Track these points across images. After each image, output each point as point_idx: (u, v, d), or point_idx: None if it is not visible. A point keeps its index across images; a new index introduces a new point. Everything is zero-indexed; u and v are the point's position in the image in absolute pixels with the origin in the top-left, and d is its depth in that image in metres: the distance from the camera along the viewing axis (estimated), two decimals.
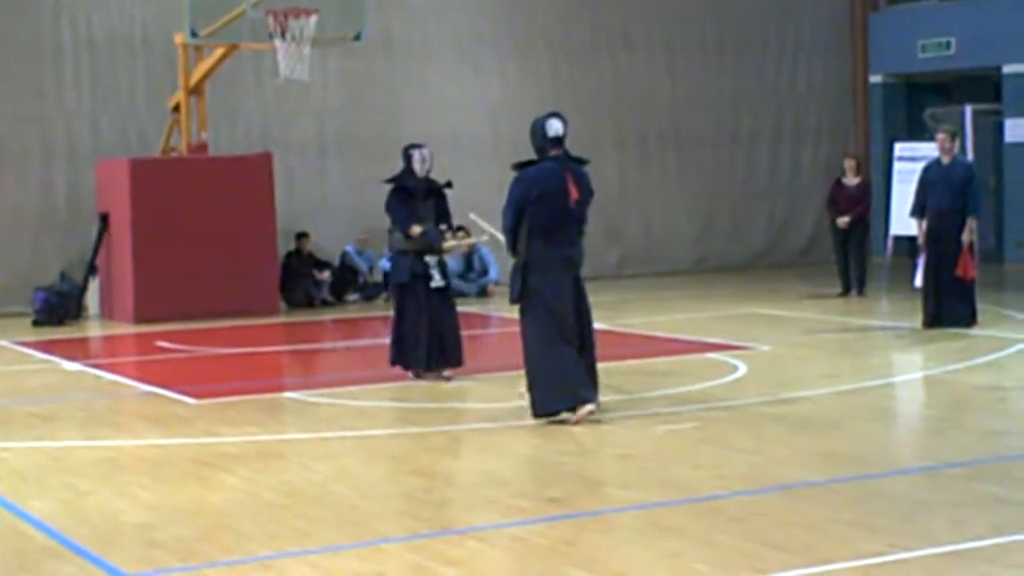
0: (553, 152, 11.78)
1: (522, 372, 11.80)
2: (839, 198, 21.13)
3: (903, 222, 21.92)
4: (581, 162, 11.98)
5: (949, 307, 16.80)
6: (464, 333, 14.36)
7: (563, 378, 11.54)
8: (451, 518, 8.72)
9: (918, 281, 17.17)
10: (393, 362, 14.10)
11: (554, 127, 11.79)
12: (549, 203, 11.62)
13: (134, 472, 10.35)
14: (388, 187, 14.41)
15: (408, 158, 14.33)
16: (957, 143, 17.42)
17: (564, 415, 11.48)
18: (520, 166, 11.86)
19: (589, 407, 11.48)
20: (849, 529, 8.06)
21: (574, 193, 11.74)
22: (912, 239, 21.54)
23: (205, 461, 10.55)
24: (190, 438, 11.54)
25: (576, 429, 11.34)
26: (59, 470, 10.48)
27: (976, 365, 14.26)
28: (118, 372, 15.62)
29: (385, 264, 22.62)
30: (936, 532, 8.02)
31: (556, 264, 11.67)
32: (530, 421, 11.61)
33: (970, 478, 9.33)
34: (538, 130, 11.84)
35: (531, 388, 11.66)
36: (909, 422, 12.36)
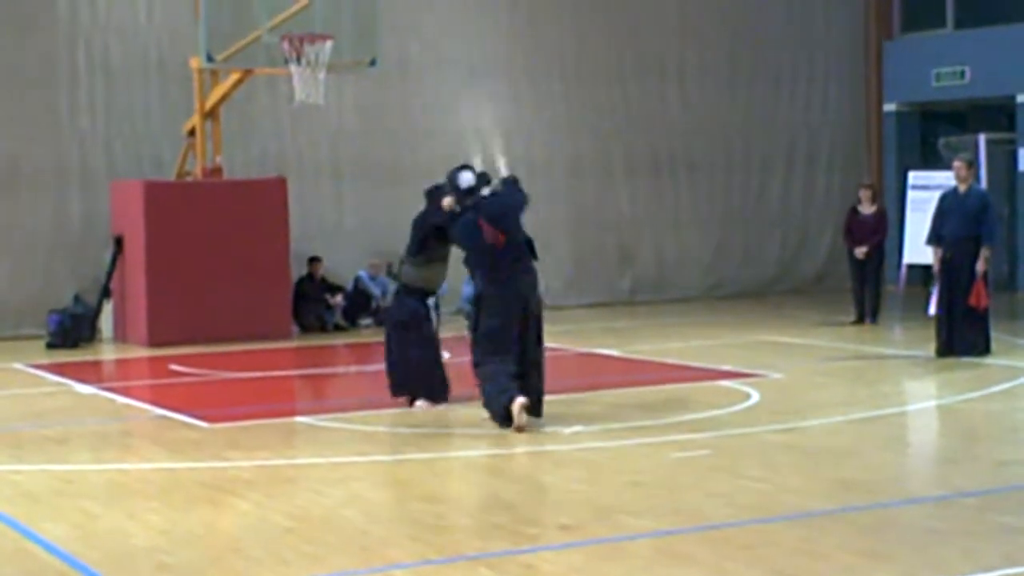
0: (468, 202, 12.92)
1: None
2: (855, 227, 21.12)
3: (916, 250, 21.91)
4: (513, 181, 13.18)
5: (962, 336, 16.77)
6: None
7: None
8: (461, 544, 8.70)
9: (932, 309, 17.14)
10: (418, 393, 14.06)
11: (465, 179, 12.61)
12: (470, 248, 12.91)
13: (145, 496, 10.35)
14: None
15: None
16: (973, 172, 17.42)
17: None
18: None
19: None
20: (861, 559, 8.04)
21: (486, 232, 12.69)
22: (925, 267, 21.54)
23: (216, 485, 10.55)
24: (201, 462, 11.54)
25: (586, 456, 11.33)
26: (71, 493, 10.49)
27: (990, 394, 14.22)
28: (131, 395, 15.63)
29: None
30: (949, 562, 7.99)
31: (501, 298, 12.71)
32: (537, 447, 11.60)
33: (983, 508, 9.30)
34: (452, 182, 13.03)
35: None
36: (922, 451, 12.33)
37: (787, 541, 8.50)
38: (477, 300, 12.75)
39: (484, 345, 12.65)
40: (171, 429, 13.22)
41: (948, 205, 17.08)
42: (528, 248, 12.84)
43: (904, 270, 23.19)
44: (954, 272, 16.85)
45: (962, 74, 26.38)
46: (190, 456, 11.81)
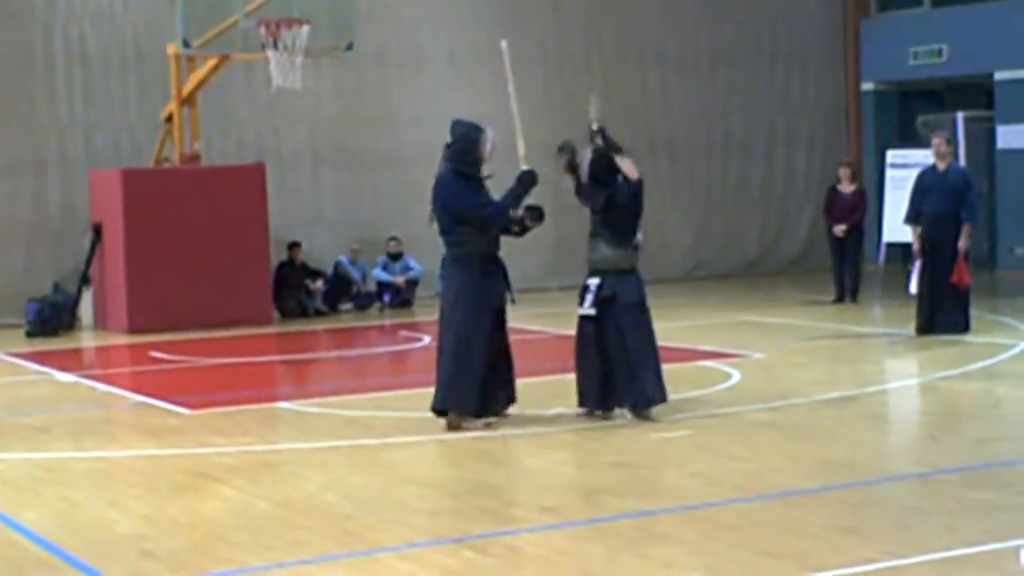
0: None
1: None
2: (835, 206, 21.16)
3: (896, 229, 21.95)
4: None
5: (943, 314, 16.80)
6: None
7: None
8: (445, 527, 8.70)
9: (913, 287, 17.12)
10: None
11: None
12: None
13: (127, 483, 10.34)
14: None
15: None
16: (952, 149, 17.43)
17: None
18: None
19: None
20: (843, 536, 8.06)
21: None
22: (904, 246, 21.57)
23: (199, 471, 10.54)
24: (183, 448, 11.53)
25: (570, 437, 11.35)
26: (52, 481, 10.47)
27: (970, 371, 14.26)
28: (112, 383, 15.61)
29: (379, 273, 22.65)
30: (930, 539, 8.02)
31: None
32: (521, 430, 11.61)
33: (964, 484, 9.33)
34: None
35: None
36: (903, 429, 12.37)
37: (770, 520, 8.52)
38: None
39: None
40: (152, 416, 13.21)
41: (927, 183, 17.05)
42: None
43: (883, 248, 23.25)
44: (935, 250, 16.84)
45: (939, 52, 26.41)
46: (172, 443, 11.79)
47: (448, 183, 11.98)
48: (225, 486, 10.00)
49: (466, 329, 11.67)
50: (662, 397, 11.82)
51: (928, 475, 9.77)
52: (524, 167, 12.15)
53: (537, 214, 12.05)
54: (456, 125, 12.14)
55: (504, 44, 12.42)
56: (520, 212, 12.03)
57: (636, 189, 11.91)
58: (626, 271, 11.94)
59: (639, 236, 12.01)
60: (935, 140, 17.26)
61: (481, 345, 11.71)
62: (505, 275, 12.04)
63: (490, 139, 12.02)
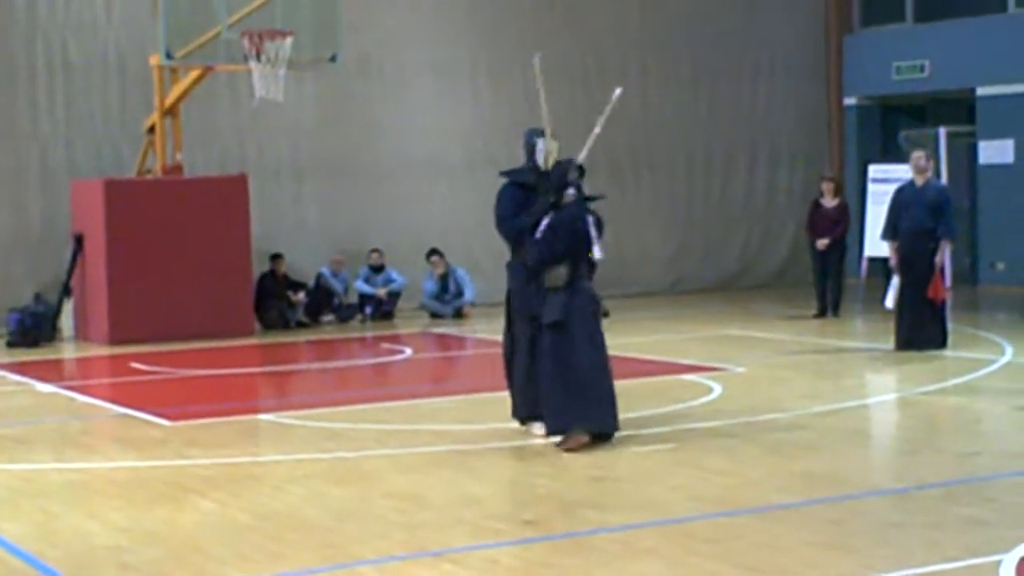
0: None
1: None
2: (817, 220, 21.20)
3: (877, 243, 21.96)
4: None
5: (921, 329, 16.77)
6: (441, 355, 14.34)
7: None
8: (425, 540, 8.68)
9: (889, 303, 17.11)
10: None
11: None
12: None
13: (106, 495, 10.30)
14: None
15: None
16: (932, 164, 17.46)
17: None
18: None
19: None
20: (824, 551, 8.06)
21: None
22: (886, 260, 21.60)
23: (178, 483, 10.50)
24: (163, 460, 11.50)
25: (551, 450, 11.34)
26: (31, 493, 10.43)
27: (951, 386, 14.29)
28: (92, 394, 15.56)
29: (361, 285, 22.64)
30: (911, 553, 8.02)
31: None
32: (502, 443, 11.61)
33: (944, 499, 9.34)
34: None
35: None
36: (884, 443, 12.38)
37: (750, 534, 8.52)
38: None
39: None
40: (132, 427, 13.17)
41: (905, 198, 17.04)
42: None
43: (865, 263, 23.28)
44: (912, 266, 16.83)
45: (922, 67, 26.49)
46: (152, 454, 11.76)
47: (501, 188, 12.10)
48: (205, 498, 9.97)
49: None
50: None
51: (909, 490, 9.78)
52: None
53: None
54: (579, 167, 11.92)
55: (536, 58, 12.37)
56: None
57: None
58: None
59: (598, 253, 11.75)
60: (915, 155, 17.29)
61: (521, 351, 11.77)
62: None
63: (541, 147, 12.12)
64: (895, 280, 17.03)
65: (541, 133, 12.18)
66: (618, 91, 12.30)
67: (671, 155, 26.44)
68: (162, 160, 20.70)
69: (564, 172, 11.74)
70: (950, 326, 17.16)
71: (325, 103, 23.55)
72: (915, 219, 16.82)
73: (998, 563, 7.62)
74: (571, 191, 11.65)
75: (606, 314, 11.84)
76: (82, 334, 20.84)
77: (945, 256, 16.93)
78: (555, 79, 25.81)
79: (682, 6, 26.57)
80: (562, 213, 11.56)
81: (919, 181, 17.04)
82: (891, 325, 17.23)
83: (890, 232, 17.10)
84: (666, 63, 26.42)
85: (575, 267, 11.52)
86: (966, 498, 9.37)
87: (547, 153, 12.01)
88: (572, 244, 11.50)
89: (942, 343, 16.81)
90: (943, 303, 16.88)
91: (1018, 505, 9.16)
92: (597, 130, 12.09)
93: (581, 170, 11.83)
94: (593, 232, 11.52)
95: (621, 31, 26.01)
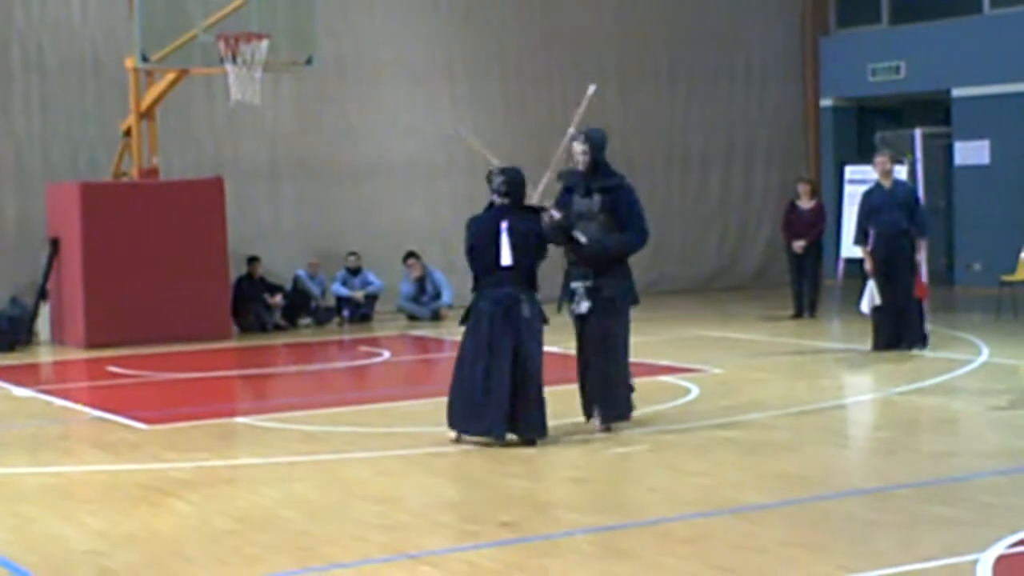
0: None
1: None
2: (793, 221, 21.25)
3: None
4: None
5: (901, 330, 16.80)
6: (419, 357, 14.32)
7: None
8: (403, 542, 8.68)
9: (864, 307, 17.10)
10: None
11: None
12: None
13: (83, 499, 10.27)
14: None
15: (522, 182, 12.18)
16: (895, 167, 17.47)
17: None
18: (620, 183, 12.26)
19: None
20: (799, 551, 8.07)
21: None
22: (863, 261, 21.65)
23: (155, 487, 10.48)
24: (140, 464, 11.47)
25: (528, 452, 11.35)
26: (7, 497, 10.39)
27: (926, 387, 14.33)
28: (68, 398, 15.51)
29: (338, 288, 22.63)
30: (887, 553, 8.04)
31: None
32: (479, 446, 11.61)
33: (920, 499, 9.36)
34: (606, 140, 12.44)
35: (617, 392, 11.92)
36: (860, 444, 12.40)
37: (727, 535, 8.53)
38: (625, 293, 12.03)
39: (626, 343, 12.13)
40: (109, 431, 13.13)
41: (876, 201, 17.00)
42: None
43: (842, 264, 23.31)
44: (890, 266, 16.84)
45: (898, 69, 26.56)
46: (128, 458, 11.73)
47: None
48: (182, 501, 9.95)
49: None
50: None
51: (884, 490, 9.80)
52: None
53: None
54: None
55: (592, 88, 12.64)
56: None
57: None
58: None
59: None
60: (879, 158, 17.24)
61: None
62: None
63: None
64: (870, 284, 17.03)
65: (575, 137, 12.41)
66: (592, 88, 12.37)
67: (648, 156, 26.44)
68: (138, 163, 20.66)
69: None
70: (928, 327, 17.20)
71: (302, 105, 23.54)
72: (891, 221, 16.83)
73: (974, 563, 7.64)
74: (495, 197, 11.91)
75: (545, 321, 11.96)
76: (58, 338, 20.79)
77: (923, 252, 16.92)
78: (532, 79, 26.01)
79: (660, 6, 26.62)
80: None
81: (886, 183, 17.04)
82: (868, 326, 17.24)
83: (862, 237, 17.11)
84: (643, 63, 26.46)
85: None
86: (942, 498, 9.39)
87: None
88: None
89: (924, 343, 16.82)
90: (923, 303, 16.91)
91: (993, 505, 9.19)
92: (572, 130, 12.10)
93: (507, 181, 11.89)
94: (504, 239, 11.70)
95: (599, 32, 26.05)
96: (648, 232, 12.23)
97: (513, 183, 11.91)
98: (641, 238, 12.18)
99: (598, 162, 12.13)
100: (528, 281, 11.87)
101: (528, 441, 11.53)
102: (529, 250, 11.80)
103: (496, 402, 11.46)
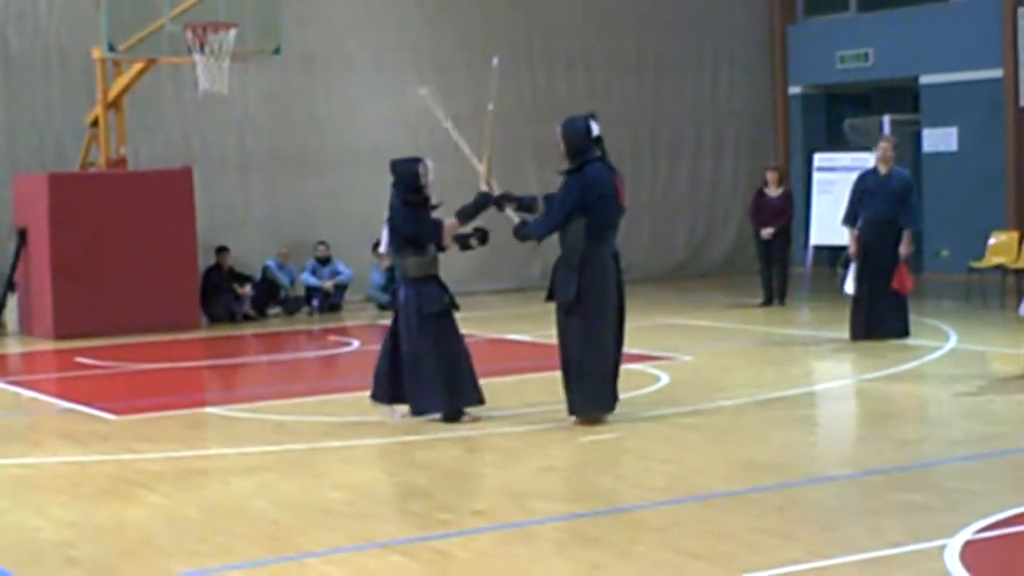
0: (596, 152, 12.07)
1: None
2: (761, 209, 21.29)
3: (823, 232, 22.16)
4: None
5: (884, 320, 16.69)
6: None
7: (604, 381, 11.83)
8: (373, 531, 8.68)
9: (848, 288, 17.01)
10: (464, 407, 12.25)
11: (595, 128, 12.03)
12: (606, 204, 11.93)
13: (52, 490, 10.25)
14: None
15: (415, 173, 12.50)
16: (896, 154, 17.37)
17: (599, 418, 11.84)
18: (571, 171, 11.93)
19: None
20: (769, 538, 8.10)
21: (623, 194, 12.20)
22: (831, 248, 21.72)
23: (125, 478, 10.46)
24: (109, 455, 11.44)
25: (498, 441, 11.37)
26: None
27: (895, 373, 14.38)
28: (37, 389, 15.47)
29: (308, 277, 22.61)
30: (855, 539, 8.08)
31: (609, 263, 11.97)
32: (450, 434, 11.62)
33: (889, 486, 9.40)
34: (580, 130, 12.06)
35: (572, 388, 11.82)
36: (828, 431, 12.44)
37: (696, 522, 8.56)
38: (580, 267, 11.74)
39: (594, 319, 11.81)
40: (78, 422, 13.10)
41: (869, 185, 16.89)
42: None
43: (811, 251, 23.41)
44: (873, 255, 16.74)
45: (866, 56, 26.64)
46: (98, 449, 11.70)
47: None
48: (152, 492, 9.93)
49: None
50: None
51: (853, 476, 9.84)
52: (483, 188, 12.40)
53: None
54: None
55: (495, 61, 12.59)
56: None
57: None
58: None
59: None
60: (882, 144, 17.06)
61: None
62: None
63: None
64: (853, 266, 16.99)
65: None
66: (495, 61, 12.50)
67: (617, 143, 26.17)
68: (106, 153, 20.60)
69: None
70: (911, 317, 17.15)
71: (270, 95, 23.50)
72: (878, 208, 16.75)
73: (942, 548, 7.68)
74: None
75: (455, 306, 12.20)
76: (26, 329, 20.73)
77: (909, 245, 16.82)
78: (501, 67, 25.89)
79: None
80: None
81: (883, 169, 16.94)
82: (837, 313, 17.33)
83: (851, 219, 17.03)
84: (612, 51, 26.50)
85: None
86: (910, 484, 9.44)
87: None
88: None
89: (905, 333, 16.78)
90: (907, 294, 16.82)
91: (961, 491, 9.24)
92: (491, 107, 12.54)
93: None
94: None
95: (567, 19, 26.09)
96: (551, 227, 11.95)
97: (396, 172, 12.55)
98: (539, 228, 12.07)
99: (570, 149, 12.04)
100: (402, 266, 12.42)
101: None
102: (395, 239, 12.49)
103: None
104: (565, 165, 12.10)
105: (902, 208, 16.74)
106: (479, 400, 12.20)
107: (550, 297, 12.05)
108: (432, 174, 12.49)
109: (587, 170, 11.92)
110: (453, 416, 12.06)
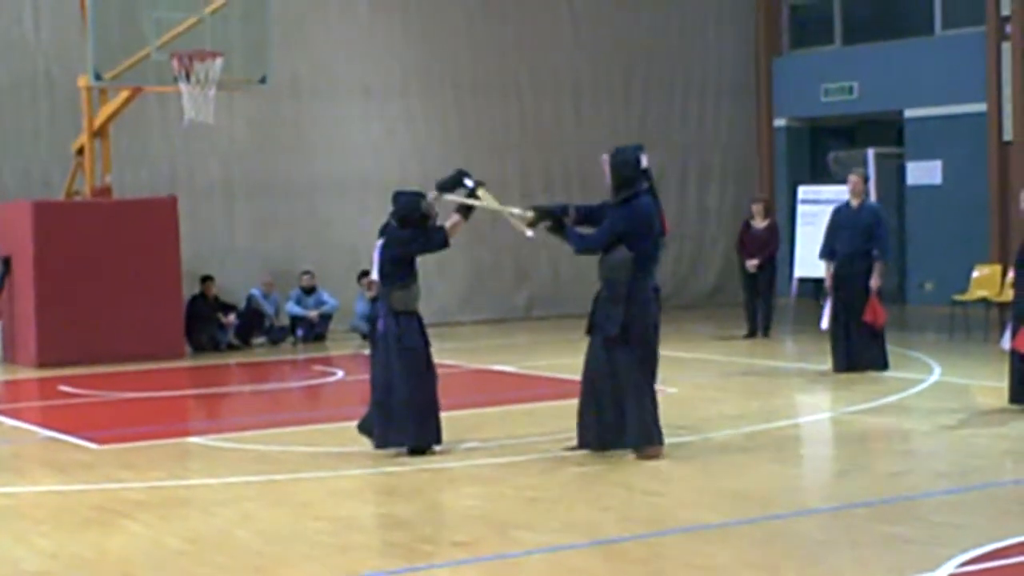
0: (645, 184, 12.10)
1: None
2: (747, 241, 21.33)
3: (807, 264, 22.19)
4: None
5: (860, 352, 16.75)
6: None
7: (656, 414, 11.84)
8: (356, 563, 8.65)
9: (824, 323, 17.17)
10: (432, 443, 12.20)
11: (644, 160, 12.10)
12: (653, 238, 12.01)
13: (34, 519, 10.20)
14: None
15: (414, 206, 12.35)
16: (866, 187, 17.49)
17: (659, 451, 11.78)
18: (619, 203, 12.00)
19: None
20: (753, 571, 8.09)
21: (666, 226, 12.27)
22: (816, 281, 21.74)
23: (107, 508, 10.42)
24: (92, 484, 11.40)
25: (483, 472, 11.35)
26: None
27: (879, 406, 14.38)
28: (19, 417, 15.41)
29: (293, 307, 22.58)
30: (839, 572, 8.07)
31: (651, 296, 12.06)
32: (434, 465, 11.60)
33: (873, 518, 9.40)
34: (630, 162, 12.13)
35: (627, 423, 11.72)
36: (813, 463, 12.44)
37: (680, 554, 8.54)
38: (626, 300, 11.82)
39: (642, 352, 11.92)
40: (61, 451, 13.05)
41: (841, 220, 17.08)
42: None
43: (795, 283, 23.44)
44: (846, 288, 16.87)
45: (850, 89, 26.73)
46: (80, 478, 11.66)
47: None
48: (134, 522, 9.89)
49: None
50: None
51: (838, 509, 9.83)
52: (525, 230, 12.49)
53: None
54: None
55: (605, 157, 12.55)
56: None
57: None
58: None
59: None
60: (852, 177, 17.26)
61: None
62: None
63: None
64: (828, 302, 17.06)
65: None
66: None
67: (603, 173, 26.44)
68: (91, 182, 20.57)
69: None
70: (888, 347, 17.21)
71: (256, 124, 23.50)
72: (849, 241, 16.86)
73: None
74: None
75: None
76: (10, 357, 20.67)
77: (879, 278, 16.87)
78: (488, 94, 26.05)
79: (615, 24, 26.71)
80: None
81: (854, 203, 17.09)
82: (822, 345, 17.33)
83: (827, 252, 17.13)
84: (598, 81, 26.55)
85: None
86: (894, 517, 9.43)
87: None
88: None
89: (883, 364, 16.83)
90: (882, 326, 16.86)
91: (946, 524, 9.23)
92: (516, 210, 12.54)
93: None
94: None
95: (554, 47, 26.14)
96: (589, 246, 12.13)
97: (397, 203, 12.38)
98: (580, 242, 12.19)
99: (618, 180, 12.07)
100: (386, 297, 12.23)
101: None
102: (382, 267, 12.28)
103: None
104: (611, 197, 12.15)
105: (871, 241, 16.80)
106: (439, 440, 12.19)
107: (590, 330, 12.02)
108: (437, 206, 12.45)
109: (635, 203, 11.98)
110: (419, 450, 12.03)
